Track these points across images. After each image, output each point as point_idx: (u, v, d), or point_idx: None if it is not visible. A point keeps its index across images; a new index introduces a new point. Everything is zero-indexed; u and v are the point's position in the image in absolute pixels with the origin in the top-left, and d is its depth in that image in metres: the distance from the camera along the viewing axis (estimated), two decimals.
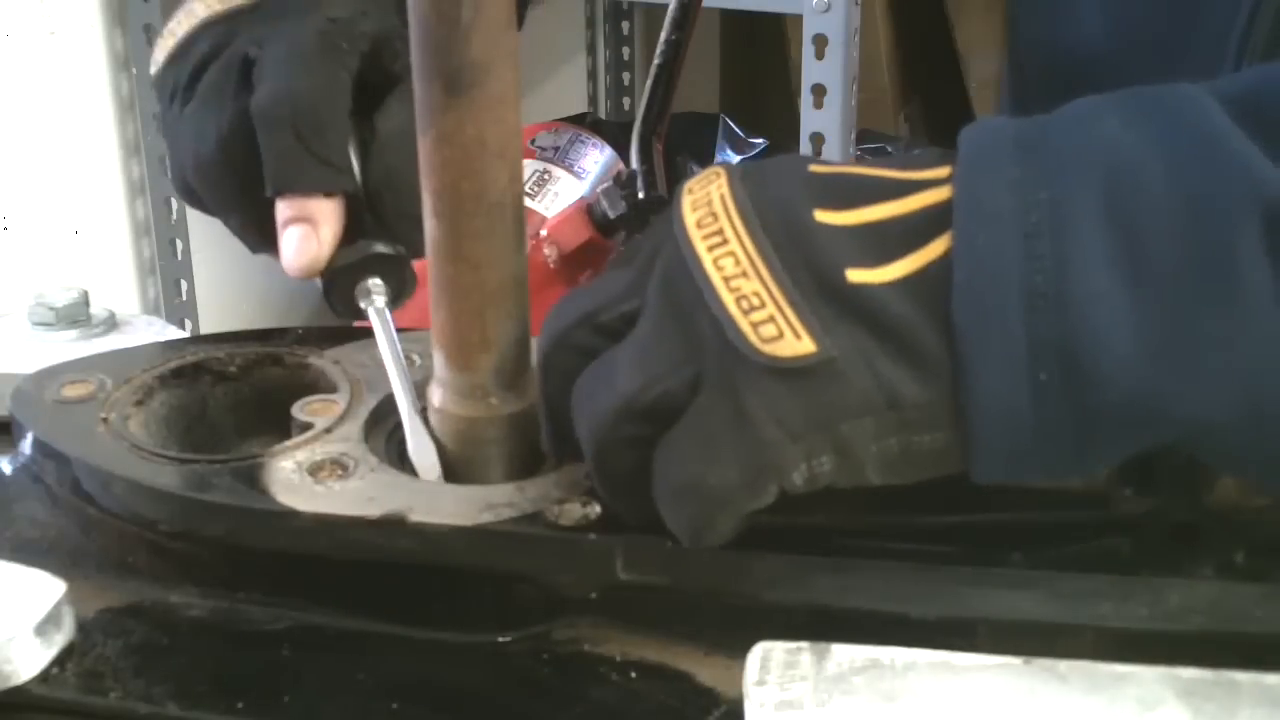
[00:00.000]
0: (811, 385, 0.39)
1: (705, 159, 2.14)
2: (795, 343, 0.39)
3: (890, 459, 0.40)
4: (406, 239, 0.57)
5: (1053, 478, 0.41)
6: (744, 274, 0.40)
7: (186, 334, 0.71)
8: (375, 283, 0.57)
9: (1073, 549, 0.46)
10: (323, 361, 0.58)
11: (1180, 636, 0.43)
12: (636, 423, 0.41)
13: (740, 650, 0.41)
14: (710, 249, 0.41)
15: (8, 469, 0.57)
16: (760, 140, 2.16)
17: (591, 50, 2.44)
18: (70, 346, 0.66)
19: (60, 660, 0.45)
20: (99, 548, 0.52)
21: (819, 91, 1.52)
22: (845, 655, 0.41)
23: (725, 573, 0.46)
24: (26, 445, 0.56)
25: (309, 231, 0.56)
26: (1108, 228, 0.38)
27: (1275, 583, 0.44)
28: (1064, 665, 0.41)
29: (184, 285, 1.86)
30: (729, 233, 0.41)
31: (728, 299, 0.40)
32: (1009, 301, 0.38)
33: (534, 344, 0.47)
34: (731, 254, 0.41)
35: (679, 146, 2.08)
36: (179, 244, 1.84)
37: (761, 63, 2.37)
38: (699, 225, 0.42)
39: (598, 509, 0.47)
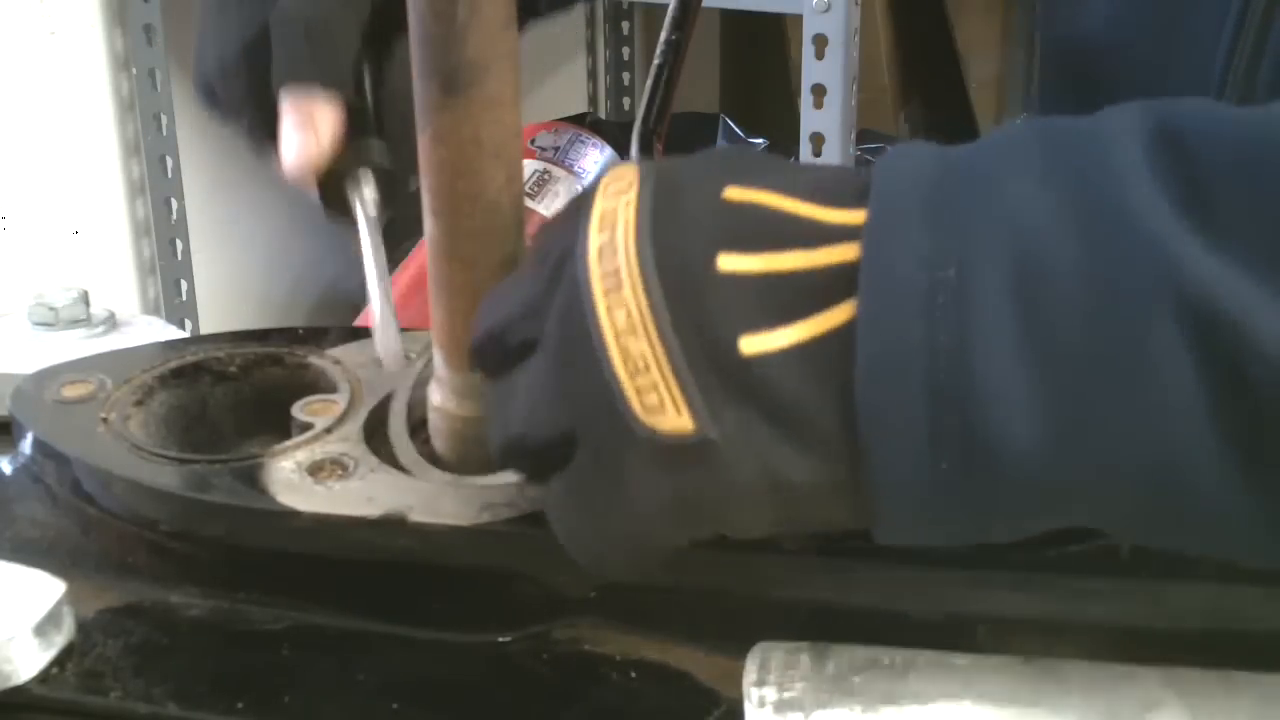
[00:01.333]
0: (690, 465, 0.37)
1: None
2: (675, 418, 0.37)
3: (777, 527, 0.39)
4: (409, 162, 0.58)
5: (954, 544, 0.40)
6: (633, 331, 0.37)
7: (186, 334, 0.70)
8: (368, 185, 0.58)
9: (1073, 549, 0.46)
10: (323, 361, 0.58)
11: (1180, 636, 0.43)
12: (524, 460, 0.41)
13: (740, 650, 0.41)
14: (606, 293, 0.38)
15: (8, 469, 0.57)
16: (760, 140, 2.16)
17: (591, 50, 2.43)
18: (70, 346, 0.66)
19: (60, 660, 0.45)
20: (99, 548, 0.52)
21: (819, 91, 1.52)
22: (845, 655, 0.41)
23: (725, 573, 0.46)
24: (26, 445, 0.56)
25: (307, 130, 0.56)
26: (1014, 311, 0.35)
27: (1275, 583, 0.44)
28: (1064, 665, 0.41)
29: (184, 285, 1.86)
30: (624, 276, 0.38)
31: (615, 357, 0.37)
32: (911, 391, 0.36)
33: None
34: (624, 305, 0.37)
35: (679, 146, 2.07)
36: (179, 244, 1.84)
37: (761, 63, 2.37)
38: (600, 256, 0.38)
39: None
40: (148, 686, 0.45)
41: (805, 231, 0.38)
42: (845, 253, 0.37)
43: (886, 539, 0.39)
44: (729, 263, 0.37)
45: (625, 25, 2.43)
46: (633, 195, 0.39)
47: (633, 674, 0.45)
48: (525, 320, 0.41)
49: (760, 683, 0.40)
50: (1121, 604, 0.44)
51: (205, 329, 1.86)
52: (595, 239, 0.39)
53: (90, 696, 0.44)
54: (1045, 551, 0.45)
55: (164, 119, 1.79)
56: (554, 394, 0.39)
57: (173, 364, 0.58)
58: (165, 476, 0.51)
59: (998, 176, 0.37)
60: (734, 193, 0.39)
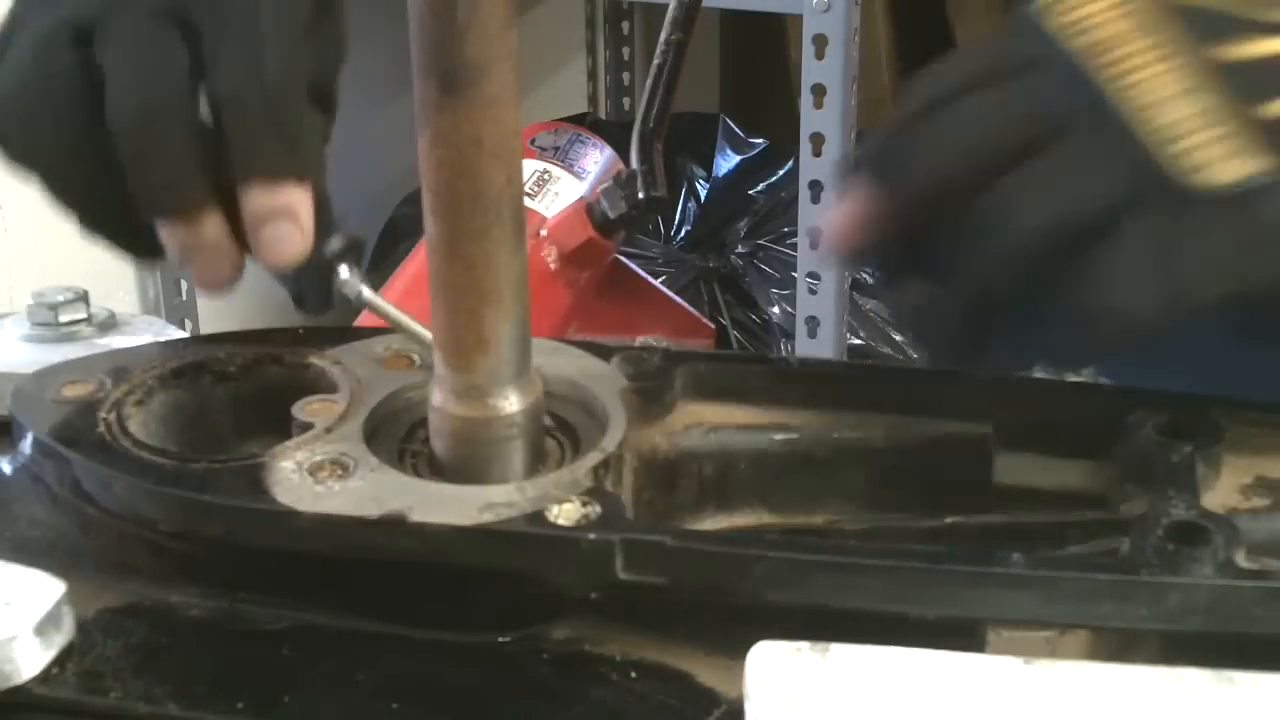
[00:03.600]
0: (1239, 212, 0.41)
1: (705, 159, 2.14)
2: (1230, 165, 0.41)
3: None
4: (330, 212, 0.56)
5: None
6: (1166, 101, 0.42)
7: (186, 334, 0.70)
8: (348, 273, 0.56)
9: (1073, 549, 0.46)
10: (323, 361, 0.58)
11: (1180, 636, 0.43)
12: (1058, 239, 0.43)
13: (740, 650, 0.41)
14: (1126, 74, 0.43)
15: (8, 469, 0.57)
16: (760, 140, 2.16)
17: (591, 50, 2.43)
18: (70, 346, 0.66)
19: (60, 660, 0.45)
20: (99, 548, 0.52)
21: (819, 91, 1.52)
22: (845, 655, 0.41)
23: (725, 573, 0.46)
24: (26, 445, 0.56)
25: (290, 223, 0.53)
26: None
27: (1275, 583, 0.44)
28: (1065, 665, 0.41)
29: (184, 285, 1.86)
30: (1140, 60, 0.43)
31: (1152, 127, 0.42)
32: None
33: (924, 151, 0.47)
34: (1147, 81, 0.42)
35: (679, 146, 2.08)
36: None
37: (761, 63, 2.37)
38: (1097, 50, 0.43)
39: (598, 509, 0.47)
40: (148, 686, 0.45)
41: (1266, 26, 0.44)
42: None
43: None
44: (1228, 52, 0.43)
45: (625, 25, 2.43)
46: (1102, 3, 0.44)
47: (633, 674, 0.45)
48: (1034, 117, 0.44)
49: (760, 683, 0.40)
50: (1121, 604, 0.44)
51: (205, 329, 1.86)
52: (1085, 39, 0.44)
53: (90, 696, 0.44)
54: (1045, 551, 0.45)
55: None
56: (1096, 173, 0.42)
57: (173, 364, 0.58)
58: (165, 476, 0.51)
59: None
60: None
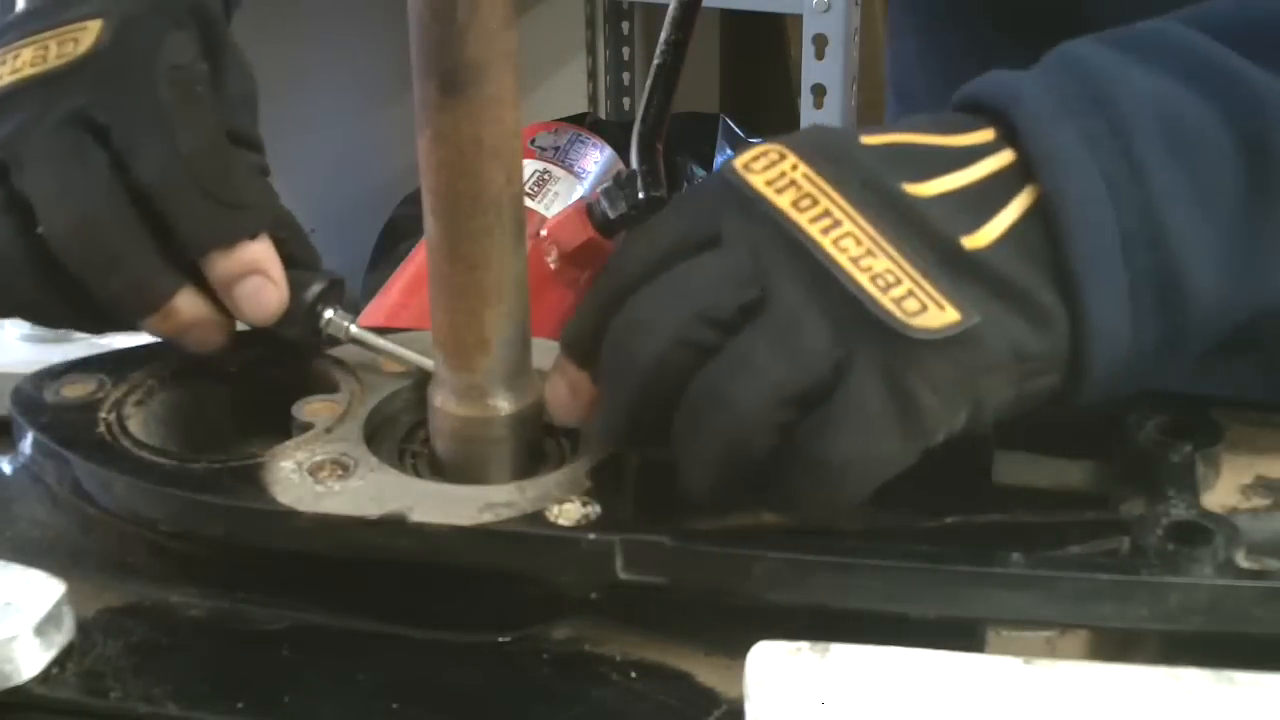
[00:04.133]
0: (958, 351, 0.41)
1: (705, 159, 2.14)
2: (940, 313, 0.41)
3: (1007, 406, 0.44)
4: (308, 249, 0.57)
5: (1136, 389, 0.48)
6: (870, 253, 0.42)
7: None
8: (332, 314, 0.56)
9: (1073, 549, 0.46)
10: (323, 361, 0.58)
11: (1180, 636, 0.43)
12: (784, 409, 0.42)
13: (740, 650, 0.41)
14: (824, 231, 0.43)
15: (8, 469, 0.57)
16: (760, 140, 2.16)
17: (591, 50, 2.43)
18: (70, 346, 0.66)
19: (60, 660, 0.45)
20: (99, 548, 0.52)
21: (819, 91, 1.52)
22: (845, 655, 0.41)
23: (725, 573, 0.46)
24: (26, 445, 0.56)
25: (261, 279, 0.53)
26: (1174, 166, 0.44)
27: (1275, 583, 0.44)
28: (1065, 665, 0.41)
29: None
30: (838, 214, 0.43)
31: (862, 279, 0.42)
32: (1109, 243, 0.43)
33: (630, 338, 0.44)
34: (850, 235, 0.42)
35: (679, 146, 2.07)
36: None
37: (761, 63, 2.37)
38: (796, 207, 0.43)
39: (598, 509, 0.47)
40: (148, 686, 0.45)
41: (954, 155, 0.45)
42: (1002, 159, 0.45)
43: (1085, 400, 0.45)
44: (914, 189, 0.44)
45: (625, 25, 2.43)
46: (792, 158, 0.44)
47: (633, 674, 0.45)
48: (742, 289, 0.43)
49: (760, 683, 0.40)
50: (1121, 604, 0.44)
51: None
52: (782, 198, 0.44)
53: (90, 696, 0.44)
54: (1045, 551, 0.45)
55: None
56: (811, 336, 0.42)
57: (173, 364, 0.58)
58: (165, 476, 0.51)
59: (1110, 67, 0.46)
60: (870, 139, 0.46)
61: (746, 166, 0.45)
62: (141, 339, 0.62)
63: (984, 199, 0.44)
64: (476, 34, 0.44)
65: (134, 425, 0.55)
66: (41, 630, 0.44)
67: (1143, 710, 0.39)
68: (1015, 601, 0.44)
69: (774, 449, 0.42)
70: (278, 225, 0.55)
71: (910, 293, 0.42)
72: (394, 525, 0.47)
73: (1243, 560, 0.44)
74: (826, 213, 0.43)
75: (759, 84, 2.40)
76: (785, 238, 0.43)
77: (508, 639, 0.47)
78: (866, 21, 1.59)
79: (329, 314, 0.56)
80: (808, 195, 0.43)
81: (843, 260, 0.42)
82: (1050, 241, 0.43)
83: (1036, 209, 0.44)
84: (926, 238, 0.43)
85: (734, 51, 2.47)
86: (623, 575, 0.46)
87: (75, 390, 0.56)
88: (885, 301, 0.41)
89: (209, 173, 0.52)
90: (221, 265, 0.53)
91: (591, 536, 0.46)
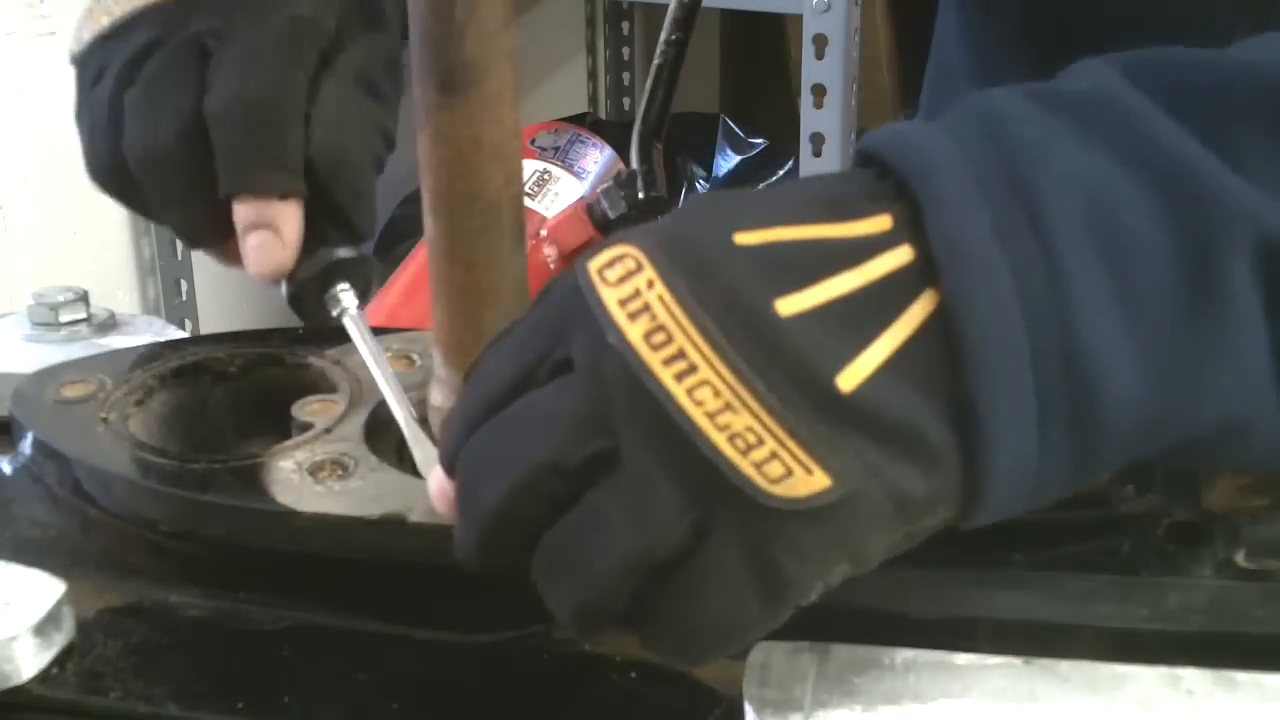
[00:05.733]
0: (829, 518, 0.36)
1: (705, 159, 2.14)
2: (808, 479, 0.36)
3: (895, 548, 0.39)
4: (364, 220, 0.57)
5: (1036, 506, 0.40)
6: (729, 407, 0.36)
7: (186, 334, 0.70)
8: (344, 288, 0.56)
9: (1073, 549, 0.46)
10: (323, 361, 0.58)
11: (1180, 636, 0.43)
12: (635, 576, 0.38)
13: (740, 650, 0.41)
14: (679, 378, 0.36)
15: (8, 469, 0.57)
16: (760, 140, 2.16)
17: (591, 50, 2.43)
18: (70, 346, 0.66)
19: (60, 660, 0.45)
20: (99, 548, 0.52)
21: (819, 91, 1.52)
22: (845, 655, 0.41)
23: None
24: (26, 445, 0.56)
25: (271, 236, 0.55)
26: (1100, 271, 0.37)
27: (1275, 583, 0.44)
28: (1064, 665, 0.41)
29: (184, 285, 1.86)
30: (694, 355, 0.36)
31: (719, 440, 0.36)
32: (1017, 364, 0.36)
33: (475, 479, 0.40)
34: (707, 383, 0.36)
35: (679, 146, 2.08)
36: (179, 244, 1.84)
37: (761, 63, 2.37)
38: (649, 342, 0.36)
39: None
40: (148, 686, 0.45)
41: (844, 251, 0.37)
42: (898, 257, 0.37)
43: (981, 523, 0.39)
44: (787, 306, 0.37)
45: (625, 25, 2.43)
46: (648, 272, 0.37)
47: (633, 674, 0.45)
48: (589, 438, 0.37)
49: (760, 683, 0.40)
50: (1121, 604, 0.44)
51: (205, 329, 1.86)
52: (634, 328, 0.37)
53: (90, 696, 0.44)
54: (1045, 551, 0.45)
55: None
56: (662, 496, 0.37)
57: (173, 364, 0.58)
58: (165, 476, 0.51)
59: (1038, 141, 0.38)
60: (745, 238, 0.38)
61: (601, 274, 0.38)
62: (141, 339, 0.62)
63: (871, 311, 0.37)
64: (475, 34, 0.44)
65: (134, 425, 0.55)
66: (41, 630, 0.44)
67: (1143, 710, 0.39)
68: (1015, 601, 0.44)
69: (632, 606, 0.38)
70: (327, 192, 0.56)
71: (774, 454, 0.36)
72: (394, 525, 0.47)
73: (1243, 560, 0.44)
74: (681, 353, 0.36)
75: (759, 84, 2.40)
76: (635, 384, 0.36)
77: (508, 639, 0.47)
78: (866, 21, 1.59)
79: (340, 288, 0.56)
80: (661, 328, 0.36)
81: (698, 417, 0.36)
82: (948, 362, 0.36)
83: (934, 321, 0.36)
84: (796, 379, 0.36)
85: (734, 51, 2.47)
86: None
87: (75, 390, 0.56)
88: (745, 467, 0.36)
89: (262, 122, 0.54)
90: (241, 211, 0.55)
91: None
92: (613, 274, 0.37)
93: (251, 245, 0.55)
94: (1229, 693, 0.39)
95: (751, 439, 0.36)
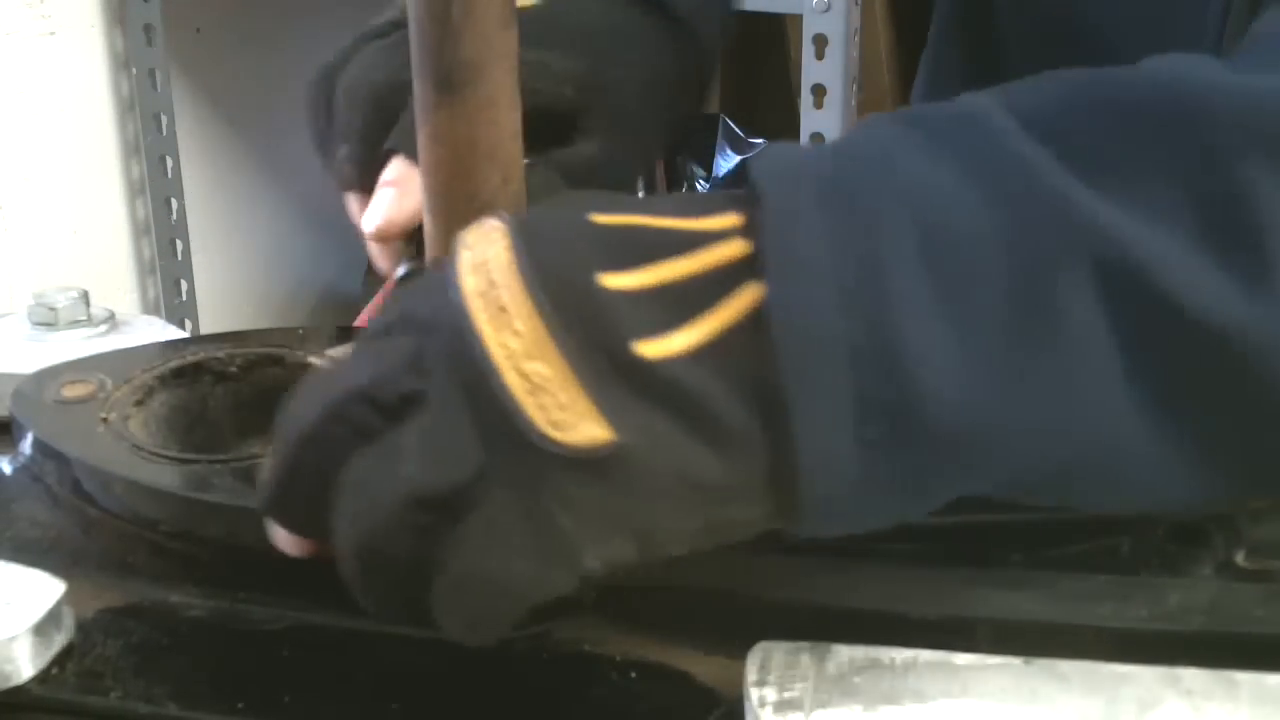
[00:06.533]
0: (606, 474, 0.36)
1: (705, 159, 2.14)
2: (588, 429, 0.36)
3: (695, 536, 0.39)
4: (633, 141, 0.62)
5: (876, 527, 0.40)
6: (528, 354, 0.37)
7: (186, 334, 0.70)
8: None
9: (1073, 549, 0.46)
10: (323, 361, 0.58)
11: (1180, 636, 0.43)
12: (422, 512, 0.38)
13: (740, 650, 0.41)
14: (493, 325, 0.37)
15: (8, 469, 0.57)
16: (760, 140, 2.16)
17: None
18: (70, 346, 0.66)
19: (60, 660, 0.45)
20: (99, 548, 0.52)
21: (819, 91, 1.52)
22: (845, 655, 0.41)
23: (725, 573, 0.46)
24: (26, 445, 0.56)
25: (398, 196, 0.57)
26: (929, 273, 0.36)
27: (1275, 583, 0.44)
28: (1064, 665, 0.41)
29: (184, 285, 1.86)
30: (511, 306, 0.37)
31: (515, 383, 0.37)
32: (833, 361, 0.36)
33: (294, 406, 0.42)
34: (516, 332, 0.37)
35: (679, 146, 2.08)
36: (179, 244, 1.84)
37: (761, 63, 2.37)
38: (480, 295, 0.38)
39: None
40: (148, 686, 0.45)
41: (683, 239, 0.38)
42: (731, 249, 0.38)
43: (806, 533, 0.39)
44: (612, 280, 0.38)
45: None
46: (502, 241, 0.39)
47: (633, 674, 0.45)
48: (406, 375, 0.39)
49: (760, 683, 0.40)
50: (1121, 604, 0.44)
51: (205, 329, 1.86)
52: (471, 281, 0.38)
53: (90, 696, 0.44)
54: (1045, 551, 0.45)
55: (164, 119, 1.79)
56: (457, 437, 0.37)
57: (173, 364, 0.59)
58: (165, 476, 0.51)
59: (886, 155, 0.39)
60: (601, 219, 0.39)
61: (465, 241, 0.40)
62: (141, 339, 0.62)
63: (693, 296, 0.37)
64: (472, 34, 0.44)
65: (134, 425, 0.55)
66: (41, 630, 0.44)
67: (1143, 710, 0.39)
68: (1015, 601, 0.44)
69: (415, 555, 0.38)
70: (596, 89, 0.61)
71: (562, 405, 0.36)
72: None
73: (1243, 560, 0.45)
74: (502, 305, 0.37)
75: (759, 84, 2.40)
76: (456, 325, 0.38)
77: (508, 639, 0.47)
78: (866, 21, 1.59)
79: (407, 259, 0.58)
80: (493, 281, 0.38)
81: (501, 360, 0.37)
82: (763, 354, 0.36)
83: (754, 313, 0.37)
84: (601, 342, 0.37)
85: (734, 51, 2.47)
86: (622, 575, 0.46)
87: (75, 390, 0.56)
88: (532, 410, 0.36)
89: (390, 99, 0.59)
90: (390, 167, 0.58)
91: None
92: (477, 242, 0.40)
93: (377, 197, 0.58)
94: (1229, 693, 0.39)
95: (545, 386, 0.37)
